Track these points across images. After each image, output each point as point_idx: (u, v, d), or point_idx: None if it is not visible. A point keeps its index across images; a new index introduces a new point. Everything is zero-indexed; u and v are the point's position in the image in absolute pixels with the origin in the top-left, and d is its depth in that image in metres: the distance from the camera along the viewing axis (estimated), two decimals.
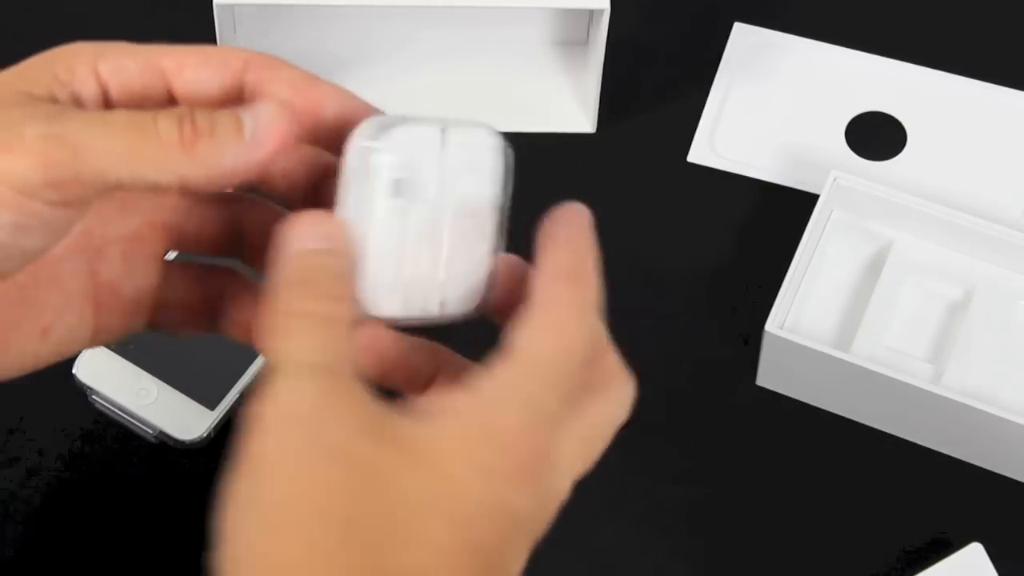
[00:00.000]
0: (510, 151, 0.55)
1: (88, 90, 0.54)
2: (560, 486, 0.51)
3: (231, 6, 0.88)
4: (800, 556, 0.78)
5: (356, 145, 0.52)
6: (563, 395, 0.51)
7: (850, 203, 0.84)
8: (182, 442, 0.79)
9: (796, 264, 0.81)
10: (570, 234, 0.54)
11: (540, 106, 0.91)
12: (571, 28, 0.92)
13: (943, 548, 0.77)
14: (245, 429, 0.49)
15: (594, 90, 0.88)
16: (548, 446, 0.50)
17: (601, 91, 0.88)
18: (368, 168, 0.52)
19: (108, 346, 0.81)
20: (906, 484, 0.80)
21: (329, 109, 0.55)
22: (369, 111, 0.55)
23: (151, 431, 0.79)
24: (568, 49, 0.93)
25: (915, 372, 0.79)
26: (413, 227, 0.53)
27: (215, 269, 0.59)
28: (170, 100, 0.54)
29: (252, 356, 0.81)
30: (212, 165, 0.52)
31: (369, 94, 0.94)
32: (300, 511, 0.47)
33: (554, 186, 0.88)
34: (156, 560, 0.77)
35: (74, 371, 0.80)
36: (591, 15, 0.89)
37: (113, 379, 0.80)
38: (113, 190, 0.52)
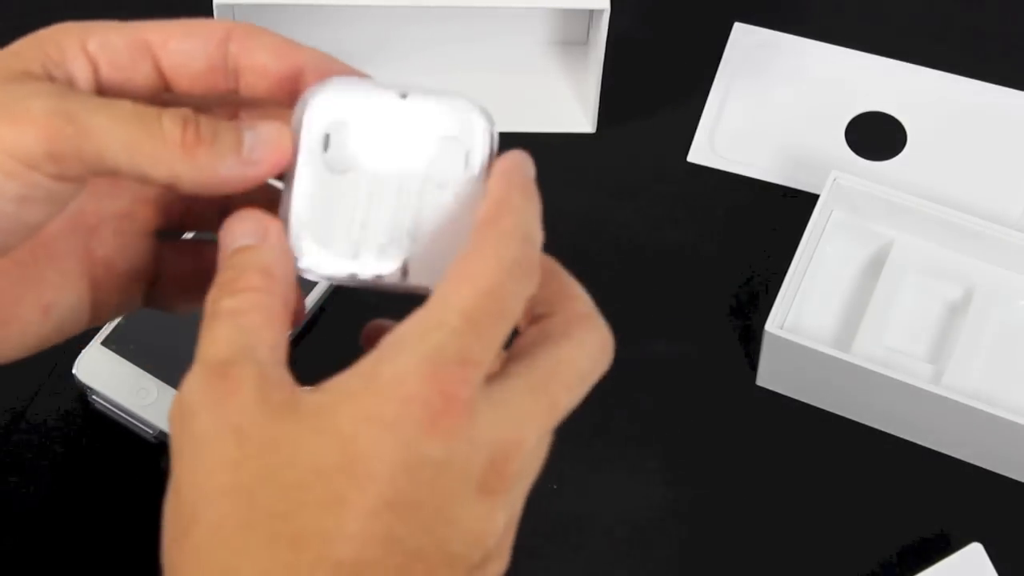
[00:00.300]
0: (492, 126, 0.54)
1: (79, 68, 0.55)
2: (499, 434, 0.49)
3: (231, 6, 0.88)
4: (800, 556, 0.78)
5: (301, 98, 0.52)
6: (477, 340, 0.49)
7: (850, 203, 0.84)
8: None
9: (796, 264, 0.81)
10: (497, 182, 0.52)
11: (540, 106, 0.91)
12: (571, 28, 0.92)
13: (943, 548, 0.77)
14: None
15: (594, 90, 0.88)
16: (460, 391, 0.48)
17: (601, 91, 0.88)
18: (300, 121, 0.53)
19: (108, 346, 0.81)
20: (906, 484, 0.80)
21: (311, 74, 0.55)
22: (350, 74, 0.55)
23: (151, 431, 0.79)
24: (568, 49, 0.93)
25: (915, 372, 0.79)
26: (356, 188, 0.53)
27: (208, 243, 0.59)
28: (157, 73, 0.55)
29: None
30: (207, 172, 0.53)
31: None
32: (206, 494, 0.48)
33: (554, 186, 0.89)
34: (156, 560, 0.77)
35: (74, 371, 0.80)
36: (591, 15, 0.89)
37: (113, 379, 0.80)
38: (108, 174, 0.53)
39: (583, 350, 0.52)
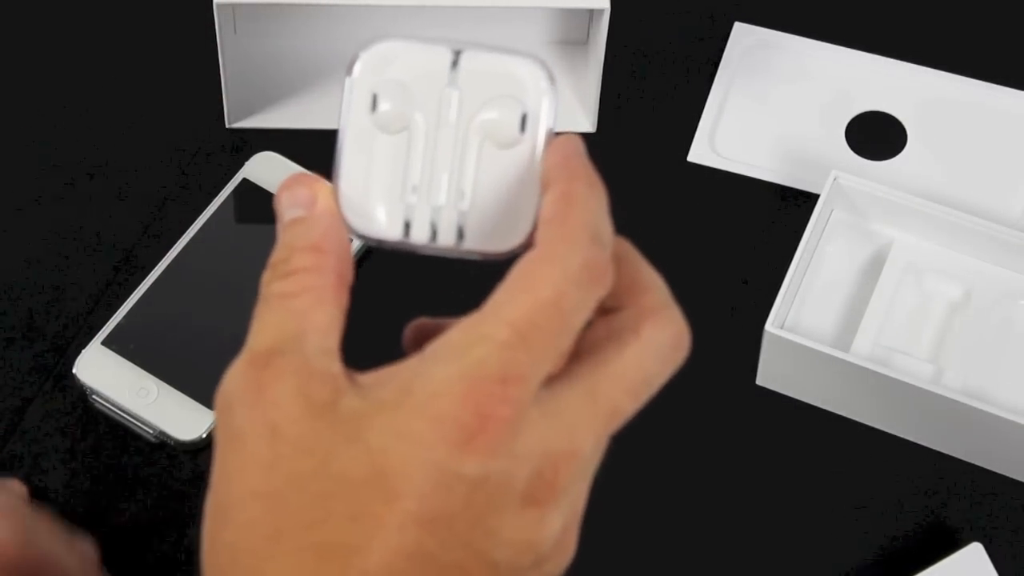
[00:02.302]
0: (552, 84, 0.52)
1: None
2: (549, 446, 0.47)
3: (231, 6, 0.88)
4: (800, 555, 0.78)
5: (352, 56, 0.51)
6: (527, 354, 0.47)
7: (850, 203, 0.84)
8: (182, 442, 0.79)
9: (796, 264, 0.81)
10: (557, 171, 0.50)
11: None
12: (571, 28, 0.92)
13: (943, 548, 0.77)
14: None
15: (594, 90, 0.88)
16: (498, 410, 0.46)
17: (601, 91, 0.88)
18: (349, 80, 0.51)
19: (108, 346, 0.81)
20: (906, 484, 0.80)
21: None
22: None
23: (151, 431, 0.79)
24: (568, 49, 0.93)
25: (915, 372, 0.79)
26: (407, 149, 0.51)
27: None
28: None
29: None
30: None
31: None
32: (239, 494, 0.47)
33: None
34: (156, 560, 0.77)
35: (74, 371, 0.80)
36: (591, 15, 0.89)
37: (113, 379, 0.80)
38: None
39: (651, 350, 0.49)
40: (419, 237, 0.51)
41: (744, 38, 0.93)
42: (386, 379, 0.48)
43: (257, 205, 0.86)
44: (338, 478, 0.46)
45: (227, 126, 0.89)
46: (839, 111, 0.91)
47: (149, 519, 0.78)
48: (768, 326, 0.79)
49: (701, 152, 0.89)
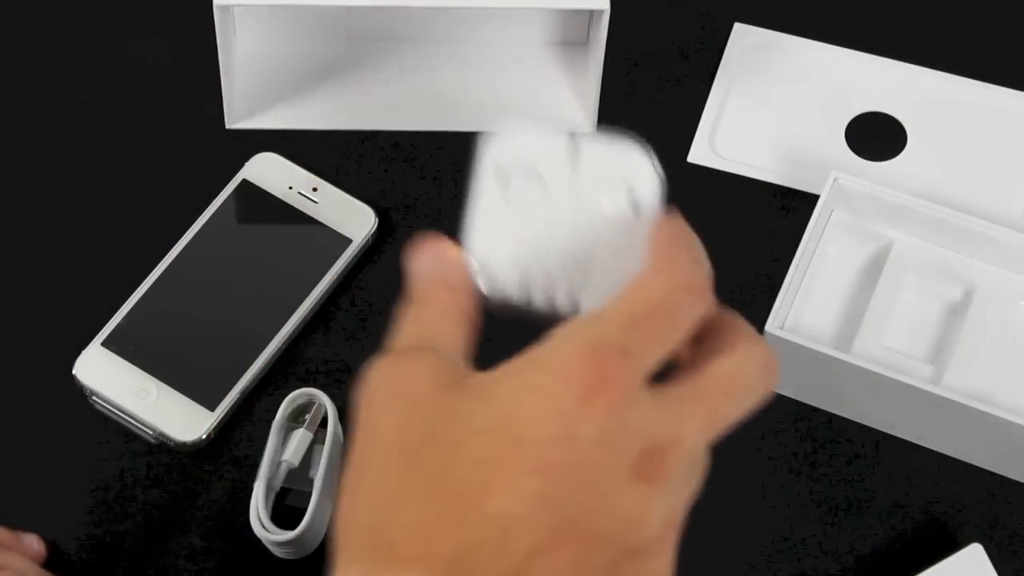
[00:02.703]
0: (658, 169, 0.57)
1: None
2: (656, 428, 0.51)
3: (231, 6, 0.88)
4: (801, 556, 0.78)
5: (485, 137, 0.56)
6: (642, 338, 0.51)
7: (850, 203, 0.84)
8: (182, 443, 0.79)
9: (796, 264, 0.81)
10: (665, 223, 0.55)
11: (540, 106, 0.91)
12: (571, 28, 0.92)
13: (943, 548, 0.77)
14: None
15: (594, 90, 0.88)
16: (619, 374, 0.50)
17: (601, 91, 0.88)
18: (482, 158, 0.56)
19: (108, 347, 0.81)
20: (906, 484, 0.80)
21: None
22: None
23: (151, 431, 0.79)
24: (568, 49, 0.93)
25: (915, 373, 0.79)
26: (530, 222, 0.56)
27: None
28: None
29: (252, 357, 0.81)
30: None
31: (369, 94, 0.94)
32: (375, 450, 0.51)
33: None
34: (156, 560, 0.77)
35: (74, 371, 0.80)
36: (591, 15, 0.89)
37: (113, 380, 0.80)
38: None
39: (749, 361, 0.53)
40: (540, 302, 0.56)
41: (744, 38, 0.93)
42: (513, 359, 0.51)
43: (257, 205, 0.86)
44: (466, 429, 0.50)
45: (227, 126, 0.89)
46: (839, 111, 0.91)
47: (149, 520, 0.78)
48: (768, 327, 0.79)
49: (701, 152, 0.89)
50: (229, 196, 0.86)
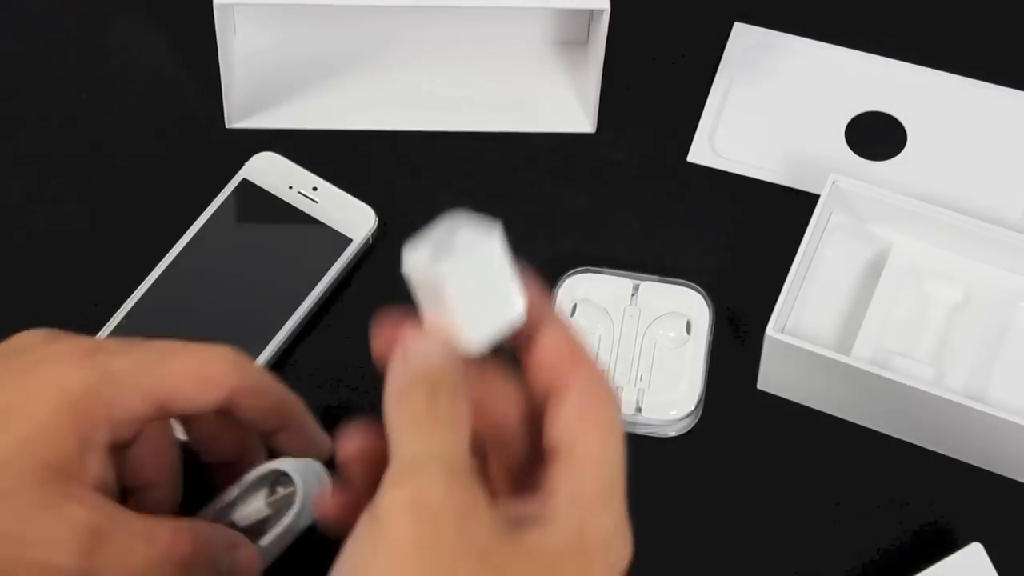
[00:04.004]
0: (709, 302, 0.81)
1: (102, 438, 0.61)
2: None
3: (231, 6, 0.88)
4: (801, 556, 0.78)
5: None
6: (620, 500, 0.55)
7: (849, 206, 0.84)
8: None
9: (796, 268, 0.81)
10: (549, 310, 0.57)
11: (540, 106, 0.91)
12: (571, 28, 0.92)
13: (943, 548, 0.77)
14: (376, 513, 0.51)
15: (594, 90, 0.88)
16: (631, 548, 0.56)
17: (601, 91, 0.88)
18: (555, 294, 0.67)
19: None
20: (906, 485, 0.80)
21: (285, 437, 0.67)
22: (315, 439, 0.68)
23: None
24: (568, 49, 0.93)
25: (916, 374, 0.79)
26: (600, 346, 0.80)
27: None
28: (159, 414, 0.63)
29: (252, 356, 0.81)
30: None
31: (369, 93, 0.94)
32: None
33: (554, 186, 0.89)
34: None
35: None
36: (591, 15, 0.89)
37: None
38: None
39: (591, 457, 0.55)
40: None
41: (744, 38, 0.93)
42: (552, 523, 0.53)
43: (257, 205, 0.86)
44: None
45: (227, 126, 0.89)
46: (839, 111, 0.91)
47: None
48: (769, 330, 0.79)
49: (701, 152, 0.89)
50: (229, 196, 0.86)
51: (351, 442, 0.56)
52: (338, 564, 0.52)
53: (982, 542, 0.76)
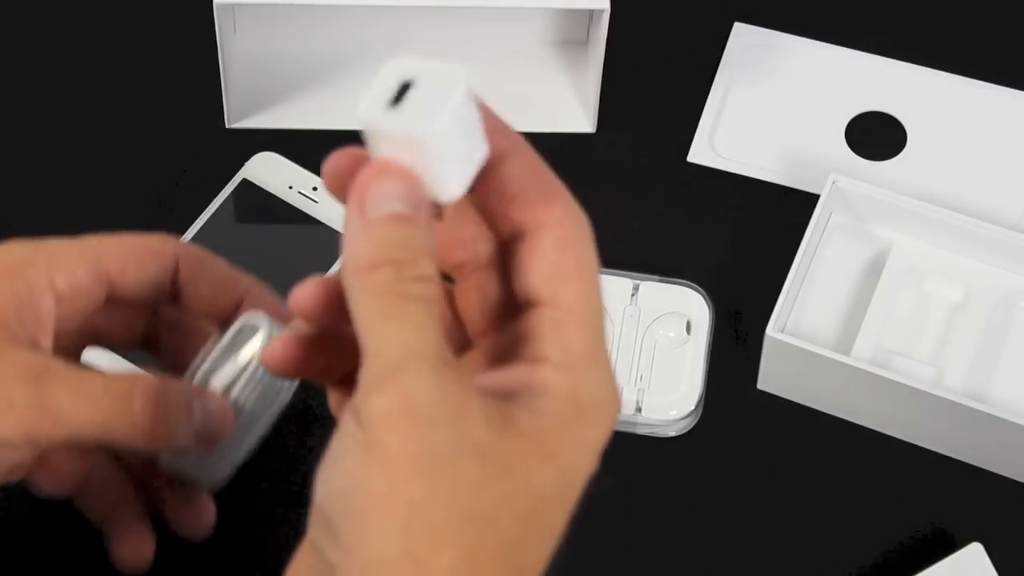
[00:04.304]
0: (709, 302, 0.80)
1: (46, 306, 0.60)
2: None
3: (231, 6, 0.88)
4: (802, 556, 0.78)
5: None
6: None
7: (849, 206, 0.84)
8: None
9: (796, 268, 0.81)
10: (514, 141, 0.53)
11: (540, 106, 0.91)
12: (571, 28, 0.92)
13: (943, 548, 0.77)
14: (364, 420, 0.47)
15: (594, 90, 0.88)
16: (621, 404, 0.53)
17: (601, 91, 0.88)
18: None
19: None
20: (907, 485, 0.80)
21: (247, 305, 0.63)
22: (277, 308, 0.63)
23: None
24: (568, 49, 0.93)
25: (916, 374, 0.79)
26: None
27: None
28: (112, 295, 0.61)
29: None
30: (158, 445, 0.59)
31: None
32: (453, 518, 0.47)
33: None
34: (156, 559, 0.77)
35: None
36: (591, 15, 0.89)
37: None
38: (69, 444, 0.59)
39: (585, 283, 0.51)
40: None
41: (744, 38, 0.93)
42: (548, 396, 0.49)
43: (257, 205, 0.86)
44: (538, 496, 0.48)
45: (227, 126, 0.89)
46: (839, 111, 0.91)
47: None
48: (769, 330, 0.79)
49: (701, 152, 0.89)
50: (229, 196, 0.86)
51: (303, 291, 0.52)
52: (325, 477, 0.48)
53: (982, 542, 0.76)
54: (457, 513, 0.47)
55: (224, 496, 0.67)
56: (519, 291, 0.51)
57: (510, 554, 0.48)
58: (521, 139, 0.52)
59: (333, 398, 0.56)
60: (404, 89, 0.49)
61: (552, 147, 0.89)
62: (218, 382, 0.63)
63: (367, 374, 0.48)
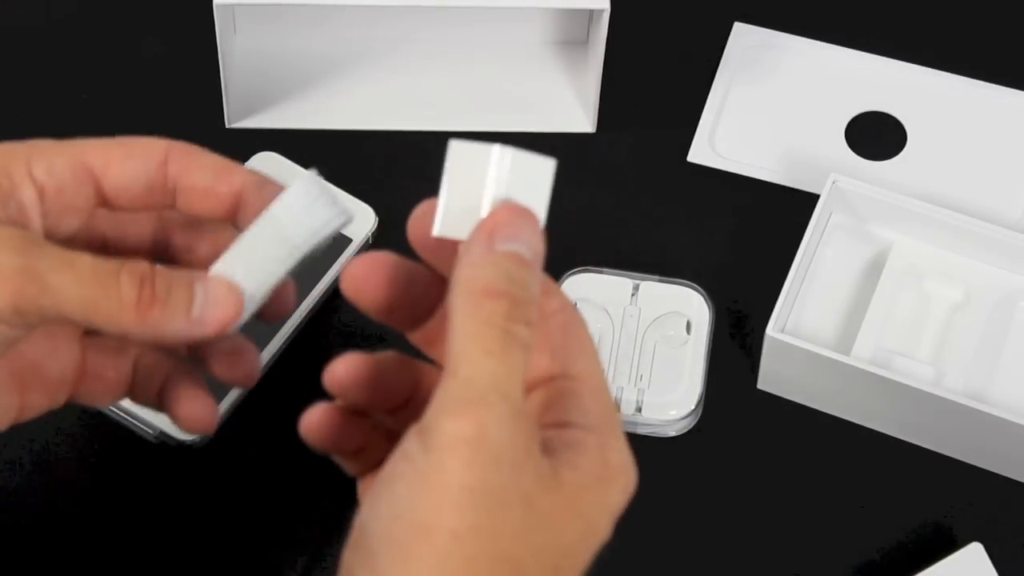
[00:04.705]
0: (709, 302, 0.82)
1: (28, 196, 0.57)
2: None
3: (231, 6, 0.88)
4: (802, 556, 0.78)
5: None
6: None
7: (849, 206, 0.84)
8: (182, 442, 0.79)
9: (796, 268, 0.81)
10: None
11: (540, 106, 0.91)
12: (571, 28, 0.92)
13: (943, 548, 0.77)
14: (435, 441, 0.48)
15: (594, 90, 0.88)
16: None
17: (601, 91, 0.88)
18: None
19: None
20: (907, 485, 0.80)
21: (248, 194, 0.59)
22: (278, 189, 0.59)
23: (151, 431, 0.79)
24: (568, 49, 0.93)
25: (916, 374, 0.79)
26: (601, 346, 0.80)
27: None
28: (98, 194, 0.58)
29: None
30: (156, 332, 0.55)
31: (369, 93, 0.94)
32: (490, 556, 0.48)
33: (554, 186, 0.88)
34: (156, 560, 0.77)
35: None
36: (591, 15, 0.89)
37: None
38: (63, 323, 0.56)
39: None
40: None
41: (744, 38, 0.93)
42: (583, 451, 0.51)
43: None
44: (563, 549, 0.50)
45: (227, 126, 0.89)
46: (839, 111, 0.91)
47: (149, 519, 0.78)
48: (769, 330, 0.79)
49: (701, 152, 0.89)
50: None
51: (339, 367, 0.54)
52: (373, 500, 0.49)
53: (982, 542, 0.76)
54: (495, 554, 0.48)
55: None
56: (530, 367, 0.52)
57: None
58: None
59: (362, 486, 0.57)
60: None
61: (552, 147, 0.89)
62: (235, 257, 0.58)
63: (447, 396, 0.49)
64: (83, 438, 0.80)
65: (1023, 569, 0.77)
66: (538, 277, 0.51)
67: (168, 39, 0.92)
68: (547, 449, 0.50)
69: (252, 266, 0.57)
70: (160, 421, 0.79)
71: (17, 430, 0.80)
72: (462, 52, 0.92)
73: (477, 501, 0.48)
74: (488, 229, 0.51)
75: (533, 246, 0.51)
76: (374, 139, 0.89)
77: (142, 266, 0.55)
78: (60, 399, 0.61)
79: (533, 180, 0.53)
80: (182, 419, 0.61)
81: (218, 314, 0.56)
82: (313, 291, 0.83)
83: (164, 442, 0.79)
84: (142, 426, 0.79)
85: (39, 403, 0.61)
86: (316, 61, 0.91)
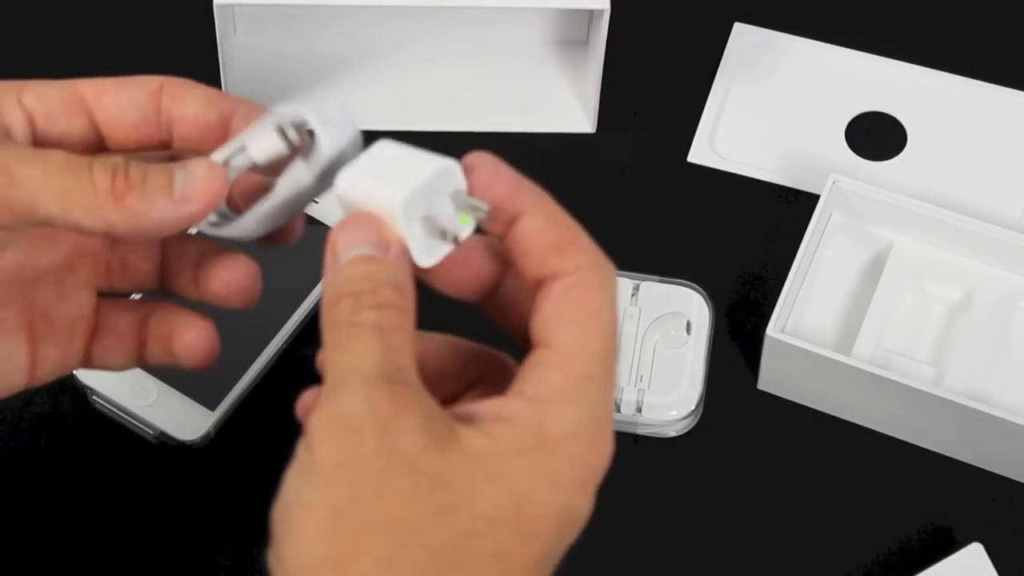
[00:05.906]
0: (708, 302, 0.80)
1: (16, 120, 0.57)
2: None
3: (231, 6, 0.88)
4: (802, 557, 0.78)
5: None
6: (610, 393, 0.51)
7: (849, 206, 0.84)
8: (182, 442, 0.79)
9: (796, 268, 0.81)
10: (530, 199, 0.53)
11: (540, 106, 0.91)
12: (571, 28, 0.92)
13: (943, 548, 0.77)
14: (305, 435, 0.49)
15: (594, 90, 0.88)
16: (609, 450, 0.51)
17: (601, 91, 0.88)
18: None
19: None
20: (907, 485, 0.80)
21: (239, 120, 0.57)
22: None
23: (151, 431, 0.79)
24: (568, 49, 0.93)
25: (916, 374, 0.79)
26: None
27: (148, 303, 0.62)
28: (92, 126, 0.58)
29: (252, 356, 0.81)
30: (140, 218, 0.54)
31: (369, 94, 0.94)
32: (374, 524, 0.48)
33: (554, 186, 0.88)
34: (156, 560, 0.77)
35: (74, 371, 0.80)
36: (591, 15, 0.89)
37: (113, 379, 0.80)
38: (42, 225, 0.54)
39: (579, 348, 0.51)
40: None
41: (744, 38, 0.93)
42: (496, 414, 0.50)
43: None
44: (480, 516, 0.48)
45: None
46: (839, 111, 0.91)
47: (149, 519, 0.78)
48: (769, 330, 0.79)
49: (701, 152, 0.89)
50: None
51: (310, 396, 0.54)
52: (281, 490, 0.50)
53: (982, 542, 0.76)
54: (380, 520, 0.48)
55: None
56: (530, 337, 0.52)
57: (444, 569, 0.48)
58: (538, 193, 0.54)
59: None
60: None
61: (552, 147, 0.90)
62: (258, 158, 0.58)
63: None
64: (83, 438, 0.80)
65: (1023, 569, 0.77)
66: (391, 262, 0.51)
67: (168, 39, 0.92)
68: (470, 418, 0.50)
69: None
70: (160, 421, 0.79)
71: (18, 430, 0.80)
72: (462, 52, 0.92)
73: (350, 474, 0.48)
74: (331, 250, 0.52)
75: (375, 240, 0.52)
76: (374, 139, 0.89)
77: (114, 158, 0.55)
78: (73, 356, 0.61)
79: (383, 161, 0.54)
80: (184, 347, 0.61)
81: (202, 187, 0.55)
82: (314, 290, 0.83)
83: (164, 442, 0.79)
84: (142, 426, 0.79)
85: (51, 356, 0.60)
86: (316, 62, 0.91)
